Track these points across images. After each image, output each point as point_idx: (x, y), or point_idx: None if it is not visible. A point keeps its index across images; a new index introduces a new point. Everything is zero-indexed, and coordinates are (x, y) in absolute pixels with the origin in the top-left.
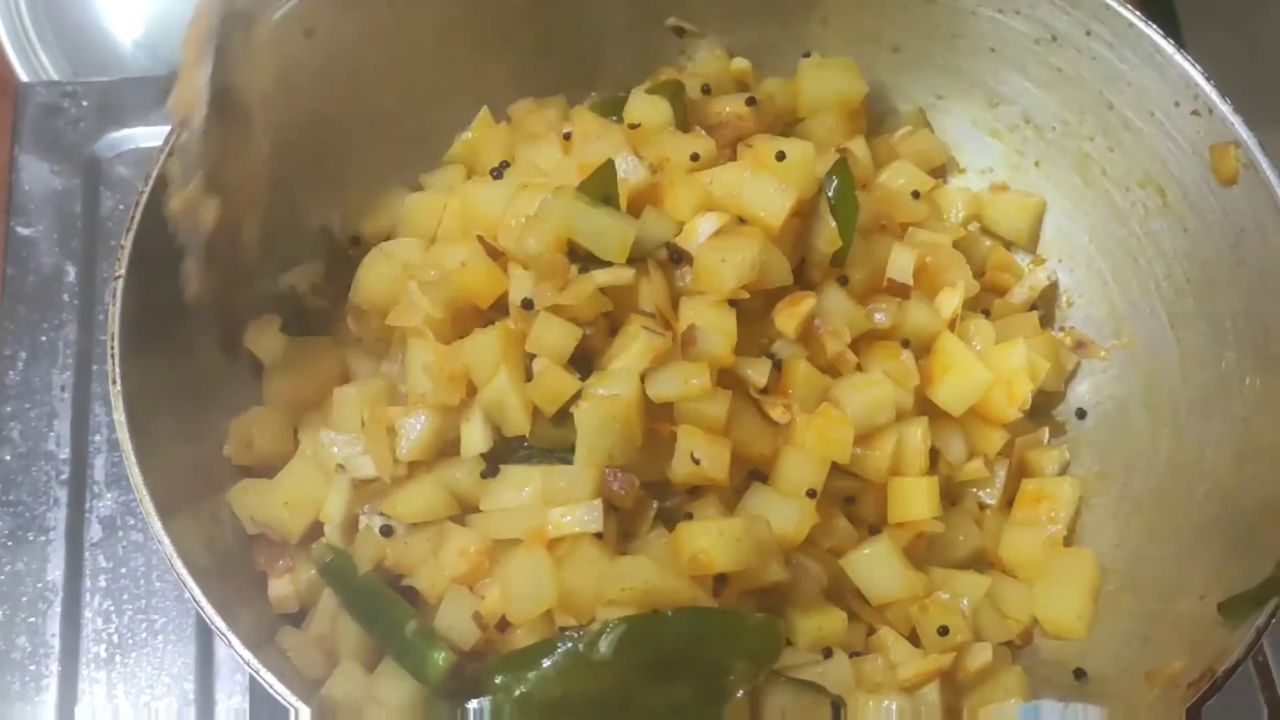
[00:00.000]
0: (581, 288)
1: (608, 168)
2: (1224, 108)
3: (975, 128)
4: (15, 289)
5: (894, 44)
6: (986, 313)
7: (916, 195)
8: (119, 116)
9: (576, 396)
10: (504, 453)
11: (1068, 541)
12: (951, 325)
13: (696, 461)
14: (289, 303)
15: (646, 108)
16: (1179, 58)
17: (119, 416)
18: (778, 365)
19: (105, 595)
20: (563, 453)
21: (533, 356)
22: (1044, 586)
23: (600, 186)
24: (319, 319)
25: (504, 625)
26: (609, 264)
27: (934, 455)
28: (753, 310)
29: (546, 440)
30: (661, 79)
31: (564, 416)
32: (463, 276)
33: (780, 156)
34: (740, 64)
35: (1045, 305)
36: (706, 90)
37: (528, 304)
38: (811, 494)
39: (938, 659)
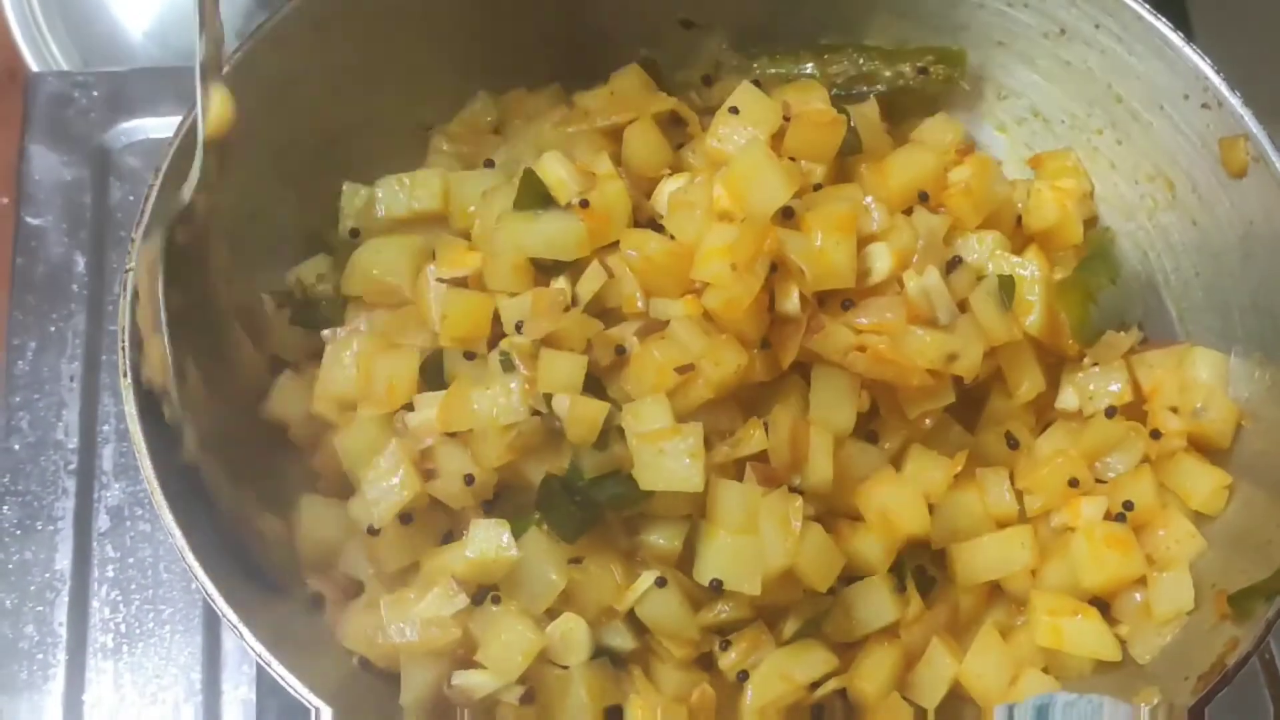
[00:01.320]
0: (570, 320)
1: (529, 175)
2: (1233, 101)
3: (983, 121)
4: (24, 279)
5: (902, 37)
6: None
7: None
8: (129, 107)
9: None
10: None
11: None
12: None
13: None
14: (296, 298)
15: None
16: (1188, 50)
17: (130, 409)
18: None
19: (113, 585)
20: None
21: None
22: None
23: (532, 194)
24: (326, 313)
25: None
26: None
27: None
28: None
29: (598, 468)
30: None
31: (606, 439)
32: (447, 329)
33: (734, 110)
34: None
35: None
36: (708, 81)
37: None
38: None
39: None
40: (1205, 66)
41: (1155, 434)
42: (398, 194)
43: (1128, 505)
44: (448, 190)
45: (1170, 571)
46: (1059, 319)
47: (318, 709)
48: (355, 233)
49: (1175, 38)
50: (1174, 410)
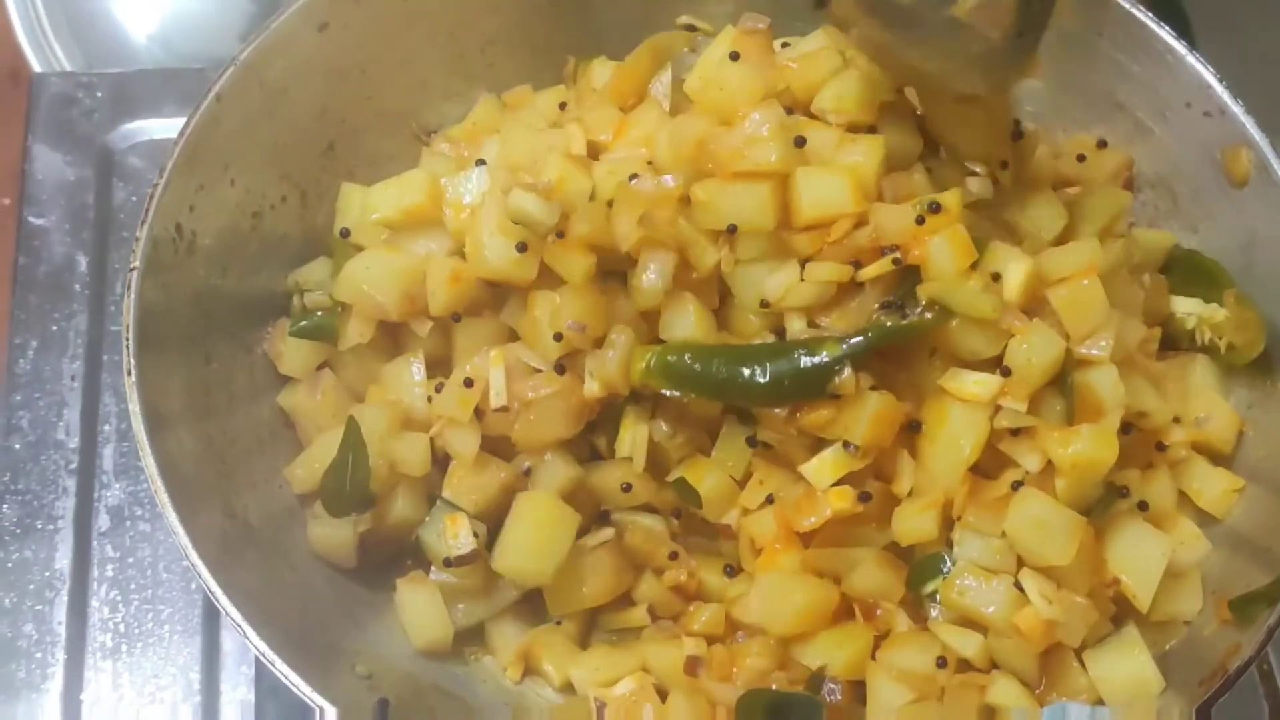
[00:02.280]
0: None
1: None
2: (1236, 109)
3: None
4: (27, 278)
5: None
6: None
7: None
8: (132, 108)
9: None
10: None
11: None
12: None
13: None
14: (296, 309)
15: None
16: (1191, 59)
17: (134, 407)
18: None
19: (112, 585)
20: None
21: None
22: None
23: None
24: (324, 324)
25: None
26: None
27: None
28: None
29: None
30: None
31: None
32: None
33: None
34: None
35: None
36: None
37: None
38: None
39: None
40: (1208, 75)
41: (1160, 446)
42: (386, 196)
43: (1143, 506)
44: (435, 192)
45: (1178, 577)
46: None
47: (322, 709)
48: (346, 232)
49: (1178, 46)
50: (1177, 420)
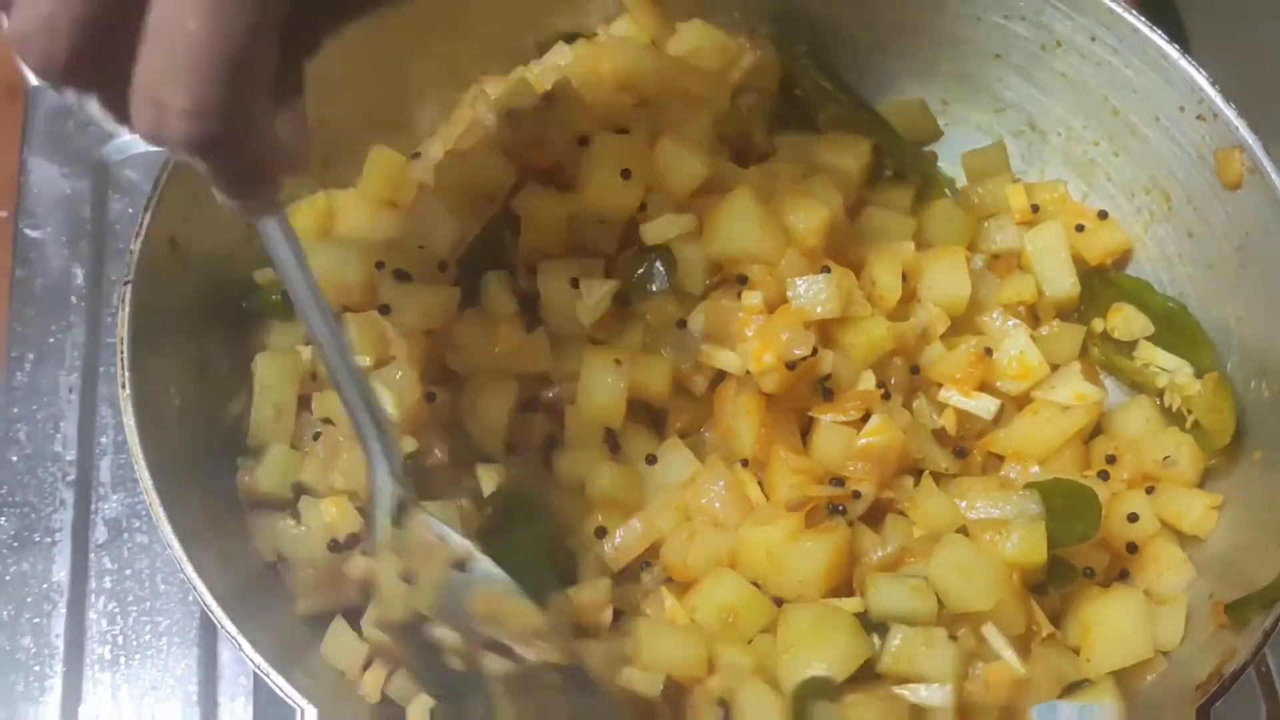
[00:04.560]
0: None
1: None
2: (1229, 112)
3: (980, 133)
4: (23, 291)
5: (899, 50)
6: None
7: None
8: None
9: None
10: None
11: None
12: None
13: None
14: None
15: None
16: (1184, 62)
17: (129, 421)
18: None
19: (110, 597)
20: None
21: None
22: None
23: None
24: (268, 291)
25: None
26: None
27: None
28: None
29: None
30: None
31: None
32: None
33: None
34: None
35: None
36: None
37: None
38: None
39: None
40: (1200, 79)
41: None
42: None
43: (1132, 517)
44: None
45: (1165, 607)
46: None
47: (303, 709)
48: None
49: (1171, 50)
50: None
